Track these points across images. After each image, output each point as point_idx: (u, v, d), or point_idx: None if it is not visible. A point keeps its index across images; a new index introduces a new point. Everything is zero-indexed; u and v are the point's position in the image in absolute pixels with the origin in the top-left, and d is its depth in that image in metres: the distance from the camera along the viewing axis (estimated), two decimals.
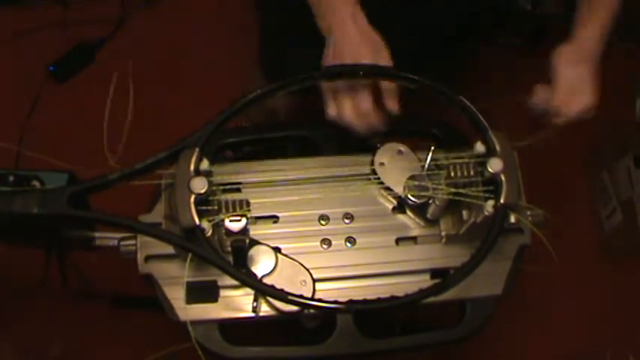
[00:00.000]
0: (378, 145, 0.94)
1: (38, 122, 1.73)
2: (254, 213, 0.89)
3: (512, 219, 0.80)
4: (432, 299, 0.76)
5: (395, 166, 0.92)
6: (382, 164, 0.92)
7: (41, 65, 1.79)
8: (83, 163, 0.82)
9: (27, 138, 1.68)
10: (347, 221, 0.92)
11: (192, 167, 0.77)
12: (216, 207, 0.78)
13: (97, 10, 1.85)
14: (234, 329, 0.88)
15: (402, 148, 0.93)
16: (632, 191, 1.55)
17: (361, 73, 0.86)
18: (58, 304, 1.50)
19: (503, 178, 0.79)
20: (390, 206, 0.93)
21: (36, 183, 0.82)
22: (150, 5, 1.89)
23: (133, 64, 1.79)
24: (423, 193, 0.88)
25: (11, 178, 0.81)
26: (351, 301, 0.77)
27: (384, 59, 0.89)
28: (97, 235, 0.89)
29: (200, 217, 0.75)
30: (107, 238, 0.89)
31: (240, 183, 0.92)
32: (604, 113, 1.73)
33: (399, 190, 0.90)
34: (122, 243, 0.88)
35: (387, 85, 0.89)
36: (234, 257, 0.82)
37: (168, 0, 1.90)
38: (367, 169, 0.93)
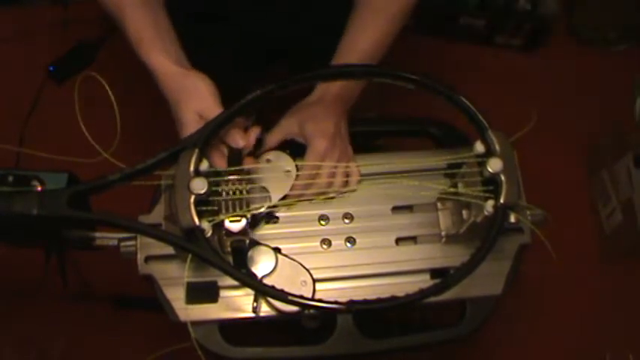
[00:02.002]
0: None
1: (38, 122, 1.73)
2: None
3: (512, 219, 0.80)
4: (432, 299, 0.76)
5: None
6: (269, 161, 0.92)
7: (41, 65, 1.79)
8: (83, 163, 0.82)
9: (27, 138, 1.69)
10: (347, 221, 0.92)
11: (192, 168, 0.77)
12: (216, 207, 0.78)
13: (97, 10, 1.85)
14: (234, 329, 0.88)
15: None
16: (632, 191, 1.55)
17: (359, 73, 0.86)
18: (58, 304, 1.50)
19: (503, 177, 0.79)
20: (390, 206, 0.93)
21: (36, 183, 0.81)
22: None
23: (133, 64, 1.80)
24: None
25: (11, 179, 0.81)
26: (351, 302, 0.76)
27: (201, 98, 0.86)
28: (97, 235, 0.88)
29: (200, 217, 0.75)
30: (107, 238, 0.89)
31: None
32: (604, 113, 1.75)
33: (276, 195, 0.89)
34: (122, 244, 0.88)
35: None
36: (234, 258, 0.82)
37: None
38: (368, 169, 0.93)
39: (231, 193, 0.81)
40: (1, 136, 1.64)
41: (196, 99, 0.86)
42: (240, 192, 0.81)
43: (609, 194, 1.64)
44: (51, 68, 1.79)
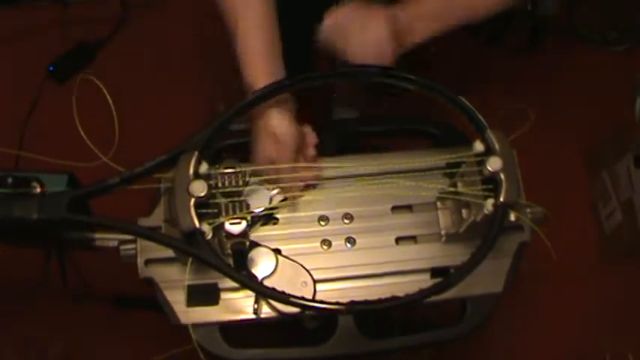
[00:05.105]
0: None
1: (38, 122, 1.73)
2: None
3: (512, 217, 0.80)
4: (432, 298, 0.76)
5: None
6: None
7: (41, 65, 1.79)
8: (83, 164, 0.82)
9: (27, 138, 1.68)
10: (346, 222, 0.92)
11: (191, 170, 0.77)
12: (215, 210, 0.78)
13: (97, 10, 1.85)
14: (235, 331, 0.88)
15: None
16: (632, 191, 1.55)
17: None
18: (58, 304, 1.50)
19: (502, 176, 0.79)
20: (390, 206, 0.93)
21: (35, 184, 0.81)
22: (150, 5, 1.89)
23: (133, 64, 1.80)
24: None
25: (10, 180, 0.81)
26: (352, 302, 0.77)
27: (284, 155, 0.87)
28: (97, 236, 0.88)
29: (200, 220, 0.75)
30: (107, 239, 0.89)
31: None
32: (604, 113, 1.75)
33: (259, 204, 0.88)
34: (122, 247, 0.87)
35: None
36: (235, 260, 0.82)
37: (168, 0, 1.90)
38: (368, 169, 0.93)
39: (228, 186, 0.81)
40: (1, 136, 1.64)
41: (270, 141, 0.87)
42: (239, 194, 0.81)
43: (609, 194, 1.64)
44: (51, 68, 1.79)
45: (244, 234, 0.79)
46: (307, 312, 0.84)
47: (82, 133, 0.81)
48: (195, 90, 1.76)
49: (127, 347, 1.51)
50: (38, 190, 0.81)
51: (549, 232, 0.85)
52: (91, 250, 0.90)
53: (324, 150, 0.98)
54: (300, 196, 0.91)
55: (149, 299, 0.90)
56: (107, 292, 1.53)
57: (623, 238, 1.60)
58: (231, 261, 0.82)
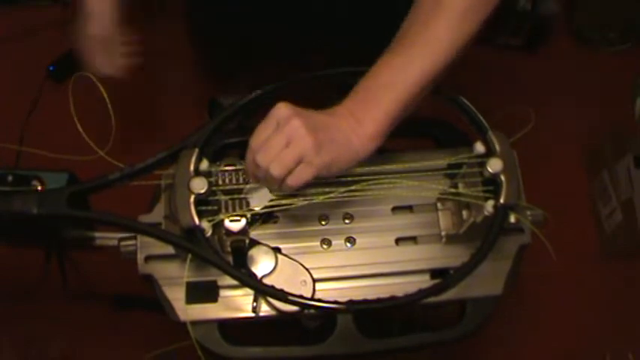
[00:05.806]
0: None
1: (38, 122, 1.73)
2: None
3: (512, 219, 0.80)
4: (432, 299, 0.76)
5: None
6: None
7: (41, 65, 1.79)
8: (83, 163, 0.82)
9: (27, 137, 1.68)
10: (347, 221, 0.92)
11: (191, 167, 0.77)
12: (215, 207, 0.78)
13: None
14: (233, 329, 0.88)
15: None
16: (632, 191, 1.55)
17: None
18: (58, 304, 1.50)
19: (503, 178, 0.79)
20: (390, 206, 0.93)
21: (36, 183, 0.82)
22: (150, 5, 1.89)
23: (132, 64, 1.80)
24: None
25: (10, 178, 0.81)
26: (351, 301, 0.77)
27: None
28: (97, 235, 0.89)
29: (200, 217, 0.75)
30: (107, 238, 0.89)
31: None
32: (604, 113, 1.75)
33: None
34: (122, 243, 0.88)
35: None
36: (234, 257, 0.82)
37: (167, 0, 1.90)
38: (368, 169, 0.93)
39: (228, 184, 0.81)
40: (1, 136, 1.64)
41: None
42: (240, 191, 0.81)
43: (609, 194, 1.64)
44: (51, 68, 1.79)
45: (244, 232, 0.79)
46: (306, 311, 0.84)
47: (80, 129, 0.81)
48: (196, 87, 1.76)
49: (127, 347, 1.50)
50: (39, 188, 0.81)
51: (549, 233, 0.85)
52: (90, 248, 0.90)
53: None
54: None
55: (149, 299, 0.90)
56: (107, 292, 1.53)
57: (623, 238, 1.60)
58: (230, 258, 0.82)
